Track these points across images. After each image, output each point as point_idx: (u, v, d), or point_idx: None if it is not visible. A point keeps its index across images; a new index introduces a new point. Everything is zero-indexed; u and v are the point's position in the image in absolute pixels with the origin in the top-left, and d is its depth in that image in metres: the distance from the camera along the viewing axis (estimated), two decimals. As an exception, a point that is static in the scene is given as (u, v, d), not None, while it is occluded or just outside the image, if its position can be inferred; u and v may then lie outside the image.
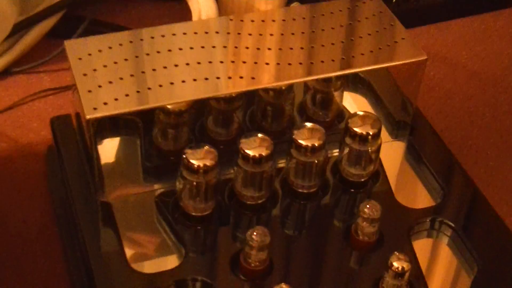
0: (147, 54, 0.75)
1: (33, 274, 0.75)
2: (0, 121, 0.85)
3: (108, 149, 0.75)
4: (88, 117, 0.67)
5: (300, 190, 0.75)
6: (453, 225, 0.73)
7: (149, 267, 0.68)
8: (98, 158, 0.71)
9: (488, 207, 0.76)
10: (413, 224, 0.73)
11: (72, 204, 0.73)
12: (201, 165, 0.68)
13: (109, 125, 0.73)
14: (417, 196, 0.79)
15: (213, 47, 0.77)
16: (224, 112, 0.78)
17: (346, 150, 0.75)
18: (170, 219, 0.72)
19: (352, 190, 0.77)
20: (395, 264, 0.64)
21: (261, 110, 0.81)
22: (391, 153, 0.82)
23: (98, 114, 0.67)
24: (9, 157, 0.83)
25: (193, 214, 0.71)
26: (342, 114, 0.84)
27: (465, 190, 0.79)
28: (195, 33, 0.79)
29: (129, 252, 0.68)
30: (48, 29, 1.00)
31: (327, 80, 0.80)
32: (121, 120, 0.74)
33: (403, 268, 0.63)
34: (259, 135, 0.71)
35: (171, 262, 0.68)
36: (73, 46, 0.75)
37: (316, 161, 0.72)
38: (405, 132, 0.84)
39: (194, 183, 0.69)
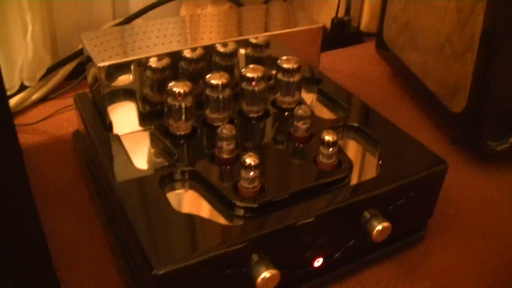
0: (137, 34, 0.79)
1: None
2: (42, 124, 0.97)
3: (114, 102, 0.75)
4: (99, 64, 0.69)
5: (250, 115, 0.77)
6: (356, 124, 0.76)
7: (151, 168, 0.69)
8: (107, 98, 0.72)
9: (376, 113, 0.80)
10: (332, 126, 0.76)
11: (92, 141, 0.73)
12: (181, 91, 0.69)
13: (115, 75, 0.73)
14: (330, 114, 0.82)
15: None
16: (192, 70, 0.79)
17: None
18: (162, 139, 0.72)
19: (286, 113, 0.79)
20: (327, 137, 0.66)
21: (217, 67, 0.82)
22: (308, 97, 0.86)
23: (106, 63, 0.70)
24: (50, 142, 0.93)
25: (177, 133, 0.72)
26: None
27: (361, 107, 0.82)
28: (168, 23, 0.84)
29: (136, 162, 0.68)
30: (69, 71, 1.09)
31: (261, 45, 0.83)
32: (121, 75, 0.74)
33: (333, 138, 0.66)
34: (220, 72, 0.73)
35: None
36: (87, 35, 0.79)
37: (257, 89, 0.74)
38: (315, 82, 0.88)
39: (176, 106, 0.70)
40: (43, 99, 1.04)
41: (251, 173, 0.61)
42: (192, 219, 0.59)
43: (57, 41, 1.07)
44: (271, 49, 0.84)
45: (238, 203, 0.61)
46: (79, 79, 1.05)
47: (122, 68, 0.72)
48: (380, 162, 0.70)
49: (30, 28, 0.95)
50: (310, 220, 0.60)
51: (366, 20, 1.36)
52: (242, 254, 0.57)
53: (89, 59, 0.76)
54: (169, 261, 0.53)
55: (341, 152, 0.69)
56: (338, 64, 1.23)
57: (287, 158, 0.71)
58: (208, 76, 0.73)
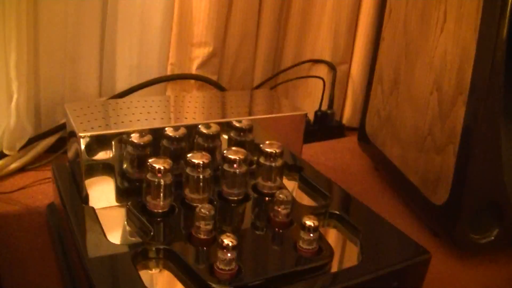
0: (121, 109, 0.78)
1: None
2: (17, 194, 0.95)
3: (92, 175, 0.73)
4: (80, 134, 0.68)
5: (230, 198, 0.75)
6: (338, 212, 0.75)
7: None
8: (85, 170, 0.70)
9: (358, 201, 0.79)
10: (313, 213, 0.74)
11: (66, 212, 0.71)
12: (161, 167, 0.68)
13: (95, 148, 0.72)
14: (312, 201, 0.80)
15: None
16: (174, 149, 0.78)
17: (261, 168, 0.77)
18: (138, 216, 0.69)
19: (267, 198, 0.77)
20: (308, 222, 0.64)
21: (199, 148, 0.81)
22: (289, 184, 0.85)
23: (87, 133, 0.69)
24: (23, 213, 0.90)
25: (154, 210, 0.70)
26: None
27: (342, 195, 0.81)
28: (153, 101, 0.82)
29: (110, 237, 0.66)
30: (50, 144, 1.07)
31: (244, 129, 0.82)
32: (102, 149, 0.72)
33: (314, 223, 0.64)
34: (202, 152, 0.72)
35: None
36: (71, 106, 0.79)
37: (238, 171, 0.73)
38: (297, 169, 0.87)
39: (156, 182, 0.68)
40: (22, 169, 1.02)
41: (228, 255, 0.59)
42: (163, 300, 0.56)
43: (41, 113, 1.06)
44: (254, 134, 0.83)
45: (214, 285, 0.58)
46: (59, 152, 1.04)
47: (103, 141, 0.71)
48: (362, 250, 0.68)
49: (15, 97, 0.95)
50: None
51: (348, 114, 1.38)
52: None
53: (71, 131, 0.74)
54: None
55: (322, 239, 0.67)
56: (320, 156, 1.23)
57: (266, 242, 0.68)
58: (189, 155, 0.72)
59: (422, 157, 0.92)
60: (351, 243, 0.71)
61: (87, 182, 0.72)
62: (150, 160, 0.69)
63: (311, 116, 1.31)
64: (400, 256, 0.67)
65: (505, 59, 0.75)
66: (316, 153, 1.24)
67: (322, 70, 1.32)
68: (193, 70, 1.16)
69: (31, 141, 1.03)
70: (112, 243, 0.64)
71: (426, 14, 0.91)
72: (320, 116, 1.31)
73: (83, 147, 0.70)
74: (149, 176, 0.69)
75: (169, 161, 0.70)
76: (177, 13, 1.10)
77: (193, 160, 0.71)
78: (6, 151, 0.99)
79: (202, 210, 0.64)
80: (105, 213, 0.71)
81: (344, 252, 0.69)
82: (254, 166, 0.81)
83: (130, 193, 0.75)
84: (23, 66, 0.96)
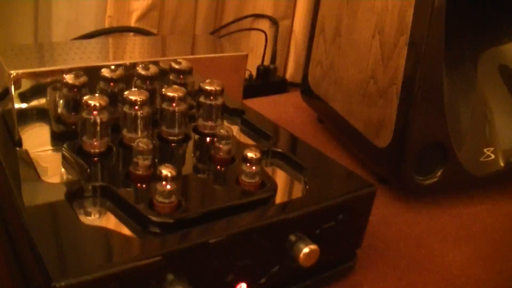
0: (55, 49, 0.75)
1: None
2: None
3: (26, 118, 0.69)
4: (11, 71, 0.64)
5: (170, 138, 0.72)
6: (281, 150, 0.73)
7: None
8: (17, 112, 0.66)
9: (301, 141, 0.78)
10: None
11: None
12: (97, 104, 0.65)
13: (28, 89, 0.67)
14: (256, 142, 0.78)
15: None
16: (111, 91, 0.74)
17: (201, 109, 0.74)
18: (74, 157, 0.66)
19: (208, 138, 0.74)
20: (249, 153, 0.62)
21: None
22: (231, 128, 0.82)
23: (18, 71, 0.65)
24: None
25: (91, 150, 0.66)
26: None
27: (286, 136, 0.80)
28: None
29: (44, 178, 0.62)
30: None
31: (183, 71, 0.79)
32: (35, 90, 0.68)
33: (255, 155, 0.62)
34: (140, 90, 0.69)
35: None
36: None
37: (177, 109, 0.70)
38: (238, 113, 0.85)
39: (91, 120, 0.65)
40: None
41: (168, 186, 0.56)
42: (101, 232, 0.53)
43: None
44: (195, 78, 0.80)
45: (153, 218, 0.55)
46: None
47: (35, 81, 0.67)
48: (306, 185, 0.66)
49: None
50: (228, 237, 0.55)
51: (291, 70, 1.37)
52: (155, 271, 0.51)
53: (1, 76, 0.69)
54: (71, 273, 0.46)
55: (264, 174, 0.65)
56: (263, 110, 1.19)
57: (207, 178, 0.66)
58: (126, 92, 0.68)
59: (365, 101, 0.91)
60: (296, 180, 0.69)
61: (20, 127, 0.67)
62: (85, 98, 0.65)
63: (253, 71, 1.29)
64: (345, 189, 0.66)
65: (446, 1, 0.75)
66: (258, 108, 1.20)
67: (264, 25, 1.30)
68: (132, 23, 1.12)
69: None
70: (46, 183, 0.60)
71: (366, -44, 0.90)
72: (263, 70, 1.28)
73: (14, 86, 0.65)
74: (84, 114, 0.65)
75: (105, 98, 0.66)
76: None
77: (130, 97, 0.67)
78: None
79: (140, 144, 0.61)
80: (39, 156, 0.67)
81: (288, 188, 0.68)
82: (193, 110, 0.78)
83: (66, 137, 0.70)
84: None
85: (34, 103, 0.68)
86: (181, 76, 0.79)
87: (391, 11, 0.83)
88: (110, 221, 0.57)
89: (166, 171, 0.56)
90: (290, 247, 0.59)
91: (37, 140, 0.69)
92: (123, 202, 0.58)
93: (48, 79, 0.68)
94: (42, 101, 0.68)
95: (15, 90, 0.66)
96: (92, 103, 0.65)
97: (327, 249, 0.61)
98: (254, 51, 1.31)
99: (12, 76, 0.65)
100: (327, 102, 1.05)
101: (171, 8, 1.16)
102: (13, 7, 1.00)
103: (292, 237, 0.60)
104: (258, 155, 0.63)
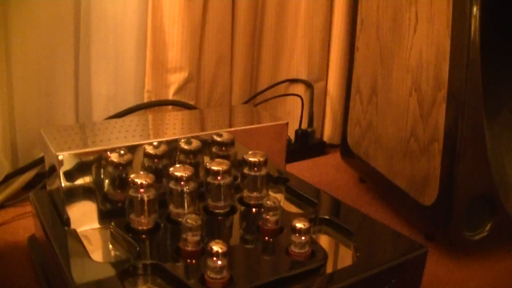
0: (99, 129, 0.77)
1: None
2: (2, 230, 0.91)
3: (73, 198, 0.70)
4: (57, 153, 0.65)
5: (216, 211, 0.72)
6: (328, 217, 0.72)
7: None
8: (65, 192, 0.67)
9: (346, 205, 0.77)
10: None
11: (48, 238, 0.67)
12: (143, 182, 0.65)
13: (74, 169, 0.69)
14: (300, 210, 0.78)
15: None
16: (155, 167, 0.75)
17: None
18: (122, 235, 0.66)
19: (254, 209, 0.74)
20: (298, 224, 0.62)
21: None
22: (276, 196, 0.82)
23: (65, 153, 0.66)
24: (3, 249, 0.86)
25: (139, 228, 0.66)
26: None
27: (331, 201, 0.79)
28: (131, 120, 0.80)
29: (94, 257, 0.62)
30: (29, 180, 1.03)
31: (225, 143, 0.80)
32: (81, 169, 0.69)
33: (304, 225, 0.62)
34: (185, 165, 0.70)
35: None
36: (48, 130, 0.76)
37: (222, 183, 0.71)
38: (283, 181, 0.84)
39: (138, 198, 0.65)
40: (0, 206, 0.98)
41: (219, 262, 0.56)
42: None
43: (17, 148, 1.02)
44: (237, 148, 0.81)
45: (205, 295, 0.55)
46: (38, 187, 0.99)
47: (82, 161, 0.68)
48: (356, 252, 0.65)
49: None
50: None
51: (328, 131, 1.37)
52: None
53: (48, 153, 0.71)
54: None
55: (314, 242, 0.64)
56: (304, 174, 1.21)
57: (257, 251, 0.65)
58: (171, 168, 0.69)
59: (407, 160, 0.90)
60: (344, 246, 0.68)
61: (68, 206, 0.68)
62: (131, 176, 0.67)
63: (291, 136, 1.29)
64: (395, 252, 0.65)
65: (480, 51, 0.74)
66: (299, 172, 1.21)
67: (299, 89, 1.31)
68: (170, 96, 1.14)
69: (8, 177, 0.99)
70: (97, 262, 0.61)
71: (398, 18, 0.90)
72: (301, 134, 1.29)
73: (61, 167, 0.67)
74: (131, 192, 0.66)
75: (151, 175, 0.67)
76: (150, 39, 1.09)
77: (176, 173, 0.68)
78: (-18, 188, 0.95)
79: (188, 220, 0.62)
80: (88, 235, 0.68)
81: (338, 254, 0.67)
82: (238, 181, 0.78)
83: (113, 214, 0.71)
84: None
85: (81, 182, 0.69)
86: (224, 148, 0.80)
87: (426, 67, 0.84)
88: (163, 300, 0.57)
89: (217, 247, 0.56)
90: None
91: (84, 219, 0.70)
92: (175, 279, 0.58)
93: (93, 158, 0.69)
94: (88, 179, 0.69)
95: (62, 170, 0.67)
96: (138, 181, 0.66)
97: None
98: (291, 115, 1.31)
99: (59, 158, 0.66)
100: (367, 162, 1.04)
101: (208, 79, 1.18)
102: (55, 85, 1.03)
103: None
104: (307, 225, 0.62)
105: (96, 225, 0.70)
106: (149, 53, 1.10)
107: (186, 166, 0.70)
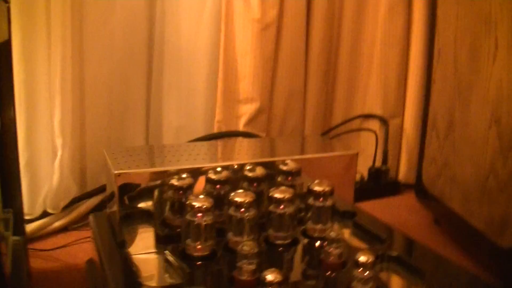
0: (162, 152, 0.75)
1: None
2: (57, 252, 0.90)
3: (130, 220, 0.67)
4: (115, 171, 0.63)
5: (278, 242, 0.67)
6: (396, 254, 0.66)
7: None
8: (121, 213, 0.64)
9: (418, 243, 0.70)
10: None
11: (101, 258, 0.64)
12: (202, 205, 0.62)
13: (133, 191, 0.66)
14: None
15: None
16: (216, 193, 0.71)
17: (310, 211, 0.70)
18: (176, 260, 0.62)
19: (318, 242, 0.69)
20: (362, 257, 0.56)
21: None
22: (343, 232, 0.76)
23: (122, 170, 0.63)
24: (62, 270, 0.85)
25: (194, 254, 0.63)
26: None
27: (401, 238, 0.72)
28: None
29: (145, 281, 0.59)
30: (95, 204, 1.02)
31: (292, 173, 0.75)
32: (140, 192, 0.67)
33: (369, 258, 0.56)
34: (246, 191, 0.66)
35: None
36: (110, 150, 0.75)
37: (285, 212, 0.66)
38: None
39: (195, 222, 0.62)
40: (64, 229, 0.97)
41: (275, 296, 0.51)
42: None
43: (86, 173, 1.02)
44: (303, 178, 0.76)
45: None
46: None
47: (142, 184, 0.65)
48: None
49: (59, 153, 0.92)
50: None
51: (403, 170, 1.29)
52: None
53: (108, 173, 0.69)
54: None
55: (379, 280, 0.58)
56: (375, 213, 1.13)
57: (317, 286, 0.60)
58: (232, 194, 0.65)
59: (485, 198, 0.83)
60: (414, 287, 0.62)
61: (125, 228, 0.66)
62: (190, 198, 0.63)
63: (365, 173, 1.23)
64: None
65: None
66: (371, 210, 1.14)
67: (374, 125, 1.25)
68: (241, 127, 1.12)
69: (75, 201, 0.99)
70: (146, 285, 0.57)
71: (476, 47, 0.84)
72: (374, 172, 1.23)
73: (117, 185, 0.64)
74: (188, 216, 0.63)
75: (210, 200, 0.64)
76: (221, 69, 1.07)
77: (236, 199, 0.64)
78: (49, 210, 0.95)
79: (244, 247, 0.57)
80: (142, 259, 0.64)
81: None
82: (302, 214, 0.73)
83: (171, 240, 0.68)
84: (68, 123, 0.93)
85: (139, 204, 0.66)
86: (289, 178, 0.75)
87: (507, 98, 0.77)
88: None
89: (271, 277, 0.51)
90: None
91: (140, 243, 0.67)
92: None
93: (154, 182, 0.66)
94: (148, 203, 0.67)
95: (120, 192, 0.64)
96: (196, 204, 0.62)
97: None
98: (365, 152, 1.25)
99: (115, 175, 0.64)
100: (443, 202, 0.97)
101: (280, 110, 1.15)
102: (126, 112, 1.03)
103: None
104: (372, 258, 0.56)
105: (152, 249, 0.67)
106: (220, 83, 1.08)
107: (248, 192, 0.66)
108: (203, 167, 0.69)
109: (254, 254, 0.57)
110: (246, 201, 0.64)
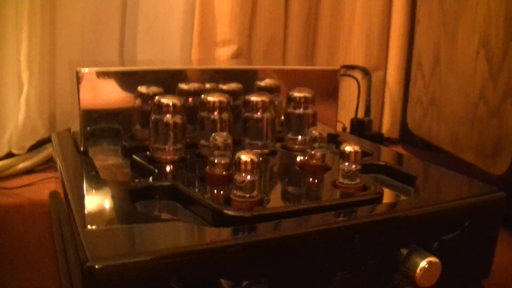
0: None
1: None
2: (22, 189, 0.83)
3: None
4: (78, 68, 0.56)
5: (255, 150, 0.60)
6: (383, 163, 0.59)
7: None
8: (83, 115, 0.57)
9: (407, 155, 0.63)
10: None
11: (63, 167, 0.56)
12: (170, 103, 0.54)
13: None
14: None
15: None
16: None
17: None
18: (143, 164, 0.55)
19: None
20: (348, 147, 0.49)
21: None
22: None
23: (86, 68, 0.57)
24: (25, 205, 0.79)
25: (162, 157, 0.55)
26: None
27: (389, 152, 0.64)
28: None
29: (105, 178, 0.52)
30: None
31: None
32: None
33: (355, 149, 0.49)
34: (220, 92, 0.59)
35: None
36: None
37: (262, 117, 0.59)
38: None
39: (163, 121, 0.54)
40: (31, 171, 0.90)
41: (248, 177, 0.44)
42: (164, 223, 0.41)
43: (55, 115, 0.94)
44: (282, 97, 0.69)
45: (229, 213, 0.42)
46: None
47: (106, 83, 0.58)
48: (418, 192, 0.52)
49: (25, 88, 0.84)
50: (319, 232, 0.41)
51: (387, 125, 1.23)
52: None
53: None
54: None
55: (367, 179, 0.51)
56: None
57: (299, 183, 0.53)
58: (203, 95, 0.58)
59: (475, 128, 0.77)
60: (406, 193, 0.55)
61: (90, 146, 0.58)
62: (157, 97, 0.56)
63: (347, 125, 1.16)
64: (467, 193, 0.51)
65: None
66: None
67: (356, 76, 1.19)
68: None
69: (43, 143, 0.91)
70: (108, 181, 0.50)
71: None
72: (357, 123, 1.15)
73: (81, 84, 0.56)
74: (155, 115, 0.55)
75: (180, 99, 0.56)
76: (198, 10, 1.00)
77: (209, 99, 0.57)
78: (14, 151, 0.87)
79: (217, 137, 0.50)
80: (105, 165, 0.56)
81: (397, 196, 0.53)
82: (282, 133, 0.66)
83: (137, 151, 0.60)
84: (36, 57, 0.85)
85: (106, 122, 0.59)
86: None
87: (495, 19, 0.71)
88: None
89: (246, 157, 0.44)
90: (403, 261, 0.44)
91: (106, 157, 0.59)
92: (193, 202, 0.46)
93: (118, 81, 0.59)
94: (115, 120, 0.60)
95: (81, 87, 0.57)
96: (165, 101, 0.55)
97: (448, 272, 0.45)
98: (346, 107, 1.19)
99: (80, 74, 0.56)
100: (430, 142, 0.91)
101: (258, 56, 1.08)
102: (99, 53, 0.96)
103: (404, 251, 0.45)
104: (359, 149, 0.50)
105: (116, 159, 0.59)
106: (197, 24, 1.01)
107: (221, 93, 0.59)
108: (174, 69, 0.62)
109: (227, 145, 0.50)
110: (219, 101, 0.57)
